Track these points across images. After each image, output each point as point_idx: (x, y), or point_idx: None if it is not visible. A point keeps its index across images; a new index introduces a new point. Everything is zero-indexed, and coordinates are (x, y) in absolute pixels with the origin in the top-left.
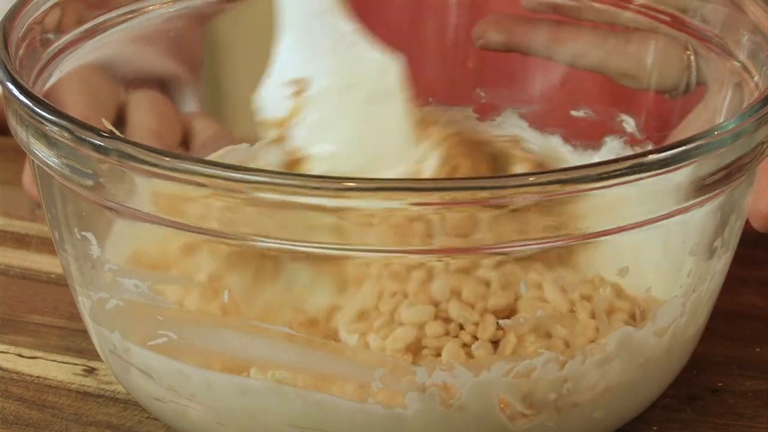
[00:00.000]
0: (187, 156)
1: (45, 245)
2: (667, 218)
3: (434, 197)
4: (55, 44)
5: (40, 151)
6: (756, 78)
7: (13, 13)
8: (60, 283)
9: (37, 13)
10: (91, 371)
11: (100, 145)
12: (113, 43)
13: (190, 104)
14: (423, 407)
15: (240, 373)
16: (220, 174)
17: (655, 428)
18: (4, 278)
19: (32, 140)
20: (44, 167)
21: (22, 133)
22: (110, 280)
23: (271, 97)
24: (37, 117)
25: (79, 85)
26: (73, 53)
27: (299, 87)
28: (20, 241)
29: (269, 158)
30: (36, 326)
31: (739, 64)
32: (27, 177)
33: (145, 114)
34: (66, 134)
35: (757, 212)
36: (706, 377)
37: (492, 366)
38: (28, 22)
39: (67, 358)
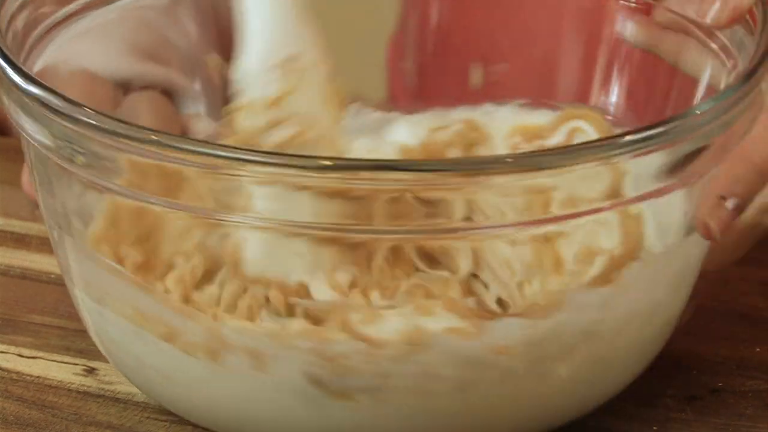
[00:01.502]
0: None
1: (45, 245)
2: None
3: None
4: (49, 20)
5: (31, 127)
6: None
7: None
8: (60, 283)
9: None
10: (91, 371)
11: (89, 122)
12: (108, 20)
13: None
14: None
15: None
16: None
17: (655, 428)
18: (4, 278)
19: (22, 116)
20: (37, 145)
21: (12, 110)
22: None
23: (254, 79)
24: (27, 94)
25: (80, 89)
26: (67, 29)
27: (288, 65)
28: (20, 241)
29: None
30: (36, 326)
31: (716, 46)
32: (26, 177)
33: (143, 114)
34: (51, 110)
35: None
36: (706, 377)
37: None
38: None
39: (67, 358)
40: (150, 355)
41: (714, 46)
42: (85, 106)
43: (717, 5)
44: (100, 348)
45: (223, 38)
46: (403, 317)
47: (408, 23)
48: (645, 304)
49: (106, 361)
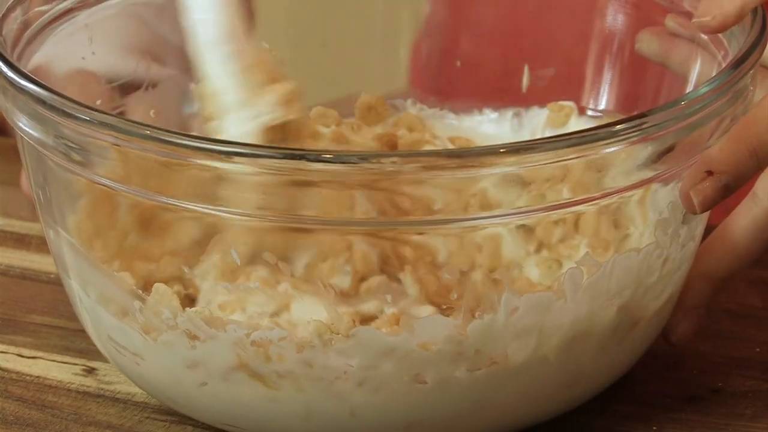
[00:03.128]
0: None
1: (45, 245)
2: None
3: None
4: (44, 17)
5: (25, 124)
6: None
7: None
8: (60, 283)
9: None
10: (91, 371)
11: (82, 117)
12: (104, 17)
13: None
14: None
15: None
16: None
17: (654, 428)
18: (4, 278)
19: (17, 113)
20: (32, 142)
21: (8, 107)
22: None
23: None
24: (21, 90)
25: (75, 87)
26: (62, 26)
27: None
28: (20, 241)
29: None
30: (36, 326)
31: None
32: (24, 178)
33: (142, 118)
34: (45, 106)
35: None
36: (706, 377)
37: None
38: None
39: (67, 358)
40: (131, 342)
41: (716, 52)
42: (78, 102)
43: (712, 8)
44: (97, 343)
45: None
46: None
47: (433, 21)
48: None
49: (106, 361)
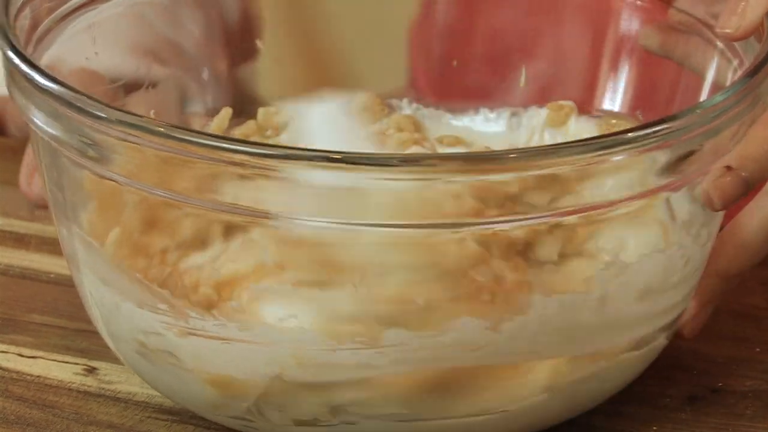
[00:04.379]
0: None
1: (45, 245)
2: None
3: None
4: (58, 11)
5: (40, 120)
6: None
7: None
8: (60, 282)
9: None
10: (91, 371)
11: (98, 114)
12: (108, 16)
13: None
14: None
15: None
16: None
17: (654, 428)
18: (4, 278)
19: (33, 109)
20: (47, 138)
21: (22, 102)
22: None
23: None
24: (37, 86)
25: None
26: (71, 24)
27: None
28: (20, 241)
29: None
30: (36, 326)
31: (722, 45)
32: (23, 177)
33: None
34: (62, 102)
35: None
36: (706, 377)
37: None
38: None
39: (67, 358)
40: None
41: (720, 45)
42: (94, 98)
43: (735, 19)
44: (112, 347)
45: (228, 36)
46: None
47: (431, 7)
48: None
49: (107, 361)
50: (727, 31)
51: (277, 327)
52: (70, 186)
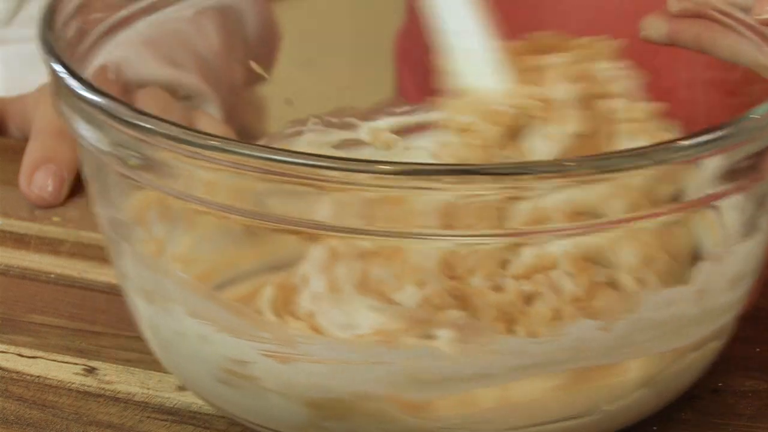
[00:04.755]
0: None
1: (45, 245)
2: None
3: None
4: (103, 24)
5: (89, 134)
6: None
7: None
8: (60, 282)
9: None
10: (91, 371)
11: (146, 127)
12: (164, 22)
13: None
14: None
15: None
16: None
17: (655, 428)
18: (4, 278)
19: (81, 123)
20: (95, 152)
21: (69, 117)
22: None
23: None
24: (86, 101)
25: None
26: (122, 33)
27: None
28: (20, 241)
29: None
30: (36, 326)
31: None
32: (24, 177)
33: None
34: (109, 116)
35: None
36: (706, 377)
37: None
38: (76, 1)
39: (67, 358)
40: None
41: (731, 22)
42: (148, 114)
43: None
44: (162, 361)
45: (248, 48)
46: None
47: (416, 14)
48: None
49: (106, 361)
50: (766, 17)
51: (393, 345)
52: (119, 200)
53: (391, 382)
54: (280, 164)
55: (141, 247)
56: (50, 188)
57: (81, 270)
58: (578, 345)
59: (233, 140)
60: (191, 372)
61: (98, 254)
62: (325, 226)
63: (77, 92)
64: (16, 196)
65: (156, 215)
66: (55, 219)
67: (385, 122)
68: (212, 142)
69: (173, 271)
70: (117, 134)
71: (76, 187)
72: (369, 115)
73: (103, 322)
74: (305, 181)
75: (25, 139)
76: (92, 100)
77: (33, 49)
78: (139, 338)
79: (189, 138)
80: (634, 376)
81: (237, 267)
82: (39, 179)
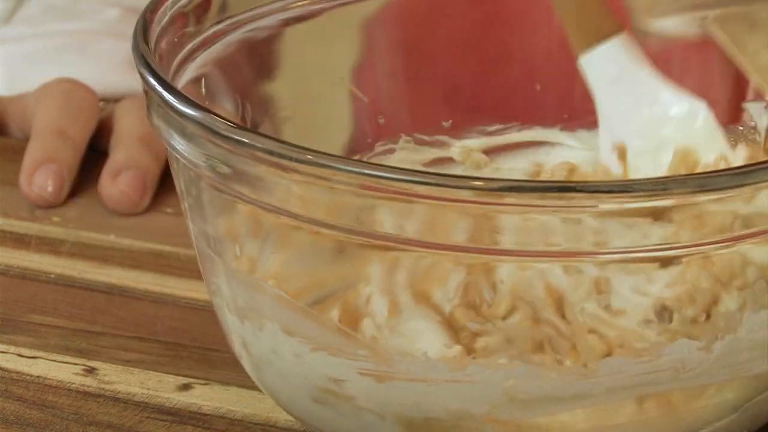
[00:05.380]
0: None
1: (45, 245)
2: None
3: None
4: (198, 37)
5: (185, 149)
6: None
7: (155, 4)
8: (60, 283)
9: (180, 3)
10: (91, 371)
11: (240, 140)
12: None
13: None
14: None
15: None
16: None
17: None
18: (4, 278)
19: (176, 138)
20: (188, 164)
21: (164, 131)
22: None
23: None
24: (183, 115)
25: (60, 97)
26: (214, 47)
27: (619, 151)
28: (20, 241)
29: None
30: (36, 326)
31: None
32: (25, 177)
33: (134, 120)
34: (203, 129)
35: None
36: None
37: None
38: (170, 13)
39: (67, 358)
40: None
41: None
42: (243, 127)
43: None
44: (256, 380)
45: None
46: None
47: (373, 50)
48: None
49: (106, 361)
50: None
51: (492, 364)
52: (213, 215)
53: (489, 402)
54: (379, 180)
55: (234, 263)
56: (50, 188)
57: (81, 270)
58: (677, 366)
59: (329, 155)
60: (286, 391)
61: (98, 254)
62: (440, 245)
63: (174, 106)
64: (16, 196)
65: (248, 231)
66: (55, 219)
67: (477, 141)
68: (308, 157)
69: (268, 287)
70: (212, 147)
71: (76, 187)
72: (460, 133)
73: (103, 322)
74: (407, 198)
75: (25, 139)
76: (188, 114)
77: (33, 47)
78: (139, 338)
79: (284, 152)
80: (728, 398)
81: (326, 286)
82: (39, 179)
